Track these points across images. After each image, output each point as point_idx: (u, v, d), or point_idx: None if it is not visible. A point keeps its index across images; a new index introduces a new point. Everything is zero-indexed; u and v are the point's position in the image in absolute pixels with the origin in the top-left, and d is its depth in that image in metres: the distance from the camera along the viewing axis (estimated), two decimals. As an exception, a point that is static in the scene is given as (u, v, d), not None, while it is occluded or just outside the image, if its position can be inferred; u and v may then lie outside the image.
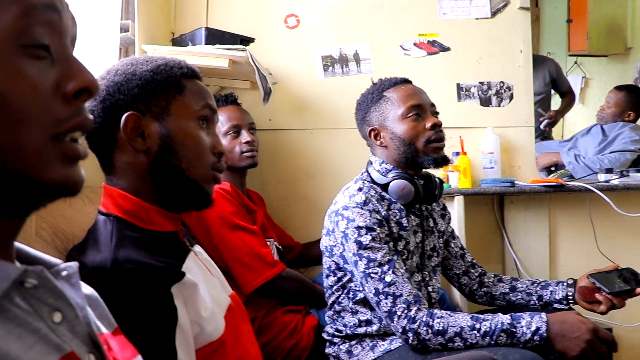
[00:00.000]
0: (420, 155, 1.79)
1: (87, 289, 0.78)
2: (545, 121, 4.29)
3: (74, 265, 0.69)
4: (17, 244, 0.67)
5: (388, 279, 1.64)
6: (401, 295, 1.62)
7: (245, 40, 2.47)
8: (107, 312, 0.81)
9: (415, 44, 2.81)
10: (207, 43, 2.36)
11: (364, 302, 1.77)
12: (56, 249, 1.26)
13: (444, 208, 2.05)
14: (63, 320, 0.63)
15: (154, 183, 1.15)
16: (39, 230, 1.23)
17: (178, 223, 1.21)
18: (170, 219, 1.18)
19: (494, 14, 2.82)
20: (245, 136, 2.28)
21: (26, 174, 0.57)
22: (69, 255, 1.17)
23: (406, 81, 1.89)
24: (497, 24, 2.82)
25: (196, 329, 1.06)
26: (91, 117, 0.65)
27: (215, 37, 2.38)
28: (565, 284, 1.89)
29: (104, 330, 0.77)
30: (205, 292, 1.11)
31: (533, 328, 1.55)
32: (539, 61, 4.20)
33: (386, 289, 1.63)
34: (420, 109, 1.81)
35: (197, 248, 1.29)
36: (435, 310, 1.62)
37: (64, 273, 0.67)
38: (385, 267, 1.65)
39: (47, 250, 1.21)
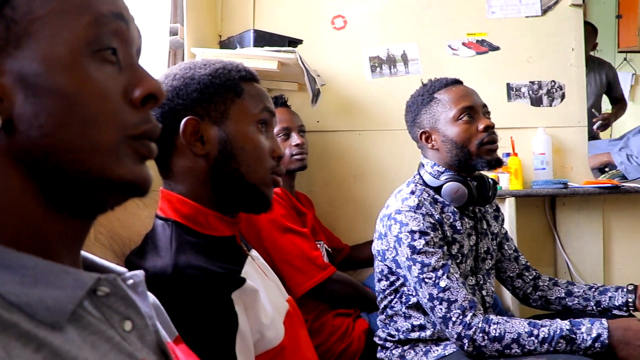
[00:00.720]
0: (474, 157, 1.75)
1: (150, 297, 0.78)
2: (598, 122, 4.17)
3: (140, 274, 0.69)
4: (82, 252, 0.67)
5: (442, 284, 1.61)
6: (456, 300, 1.59)
7: (293, 42, 2.47)
8: (168, 320, 0.81)
9: (463, 44, 2.78)
10: (255, 45, 2.37)
11: (417, 306, 1.74)
12: (114, 253, 1.27)
13: (497, 209, 2.00)
14: (133, 329, 0.64)
15: (214, 188, 1.14)
16: (97, 234, 1.25)
17: (235, 228, 1.21)
18: (228, 224, 1.18)
19: (544, 11, 2.76)
20: (295, 139, 2.28)
21: (98, 171, 0.59)
22: (127, 260, 1.17)
23: (457, 82, 1.85)
24: (547, 21, 2.77)
25: (256, 335, 1.05)
26: (159, 124, 0.66)
27: (264, 39, 2.39)
28: (625, 289, 1.83)
29: (168, 339, 0.77)
30: (265, 298, 1.10)
31: (594, 334, 1.50)
32: (596, 62, 4.11)
33: (440, 294, 1.60)
34: (473, 110, 1.77)
35: (254, 253, 1.29)
36: (492, 316, 1.59)
37: (130, 282, 0.67)
38: (440, 272, 1.62)
39: (106, 255, 1.22)
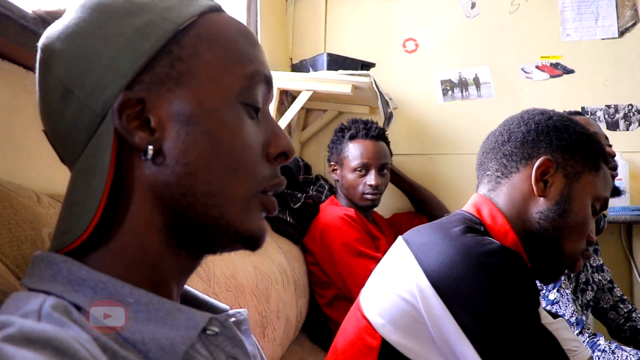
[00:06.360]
0: None
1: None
2: None
3: (243, 312, 0.70)
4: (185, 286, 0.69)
5: (552, 297, 1.56)
6: (563, 315, 1.54)
7: (366, 66, 2.47)
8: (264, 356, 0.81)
9: (537, 67, 2.72)
10: (328, 68, 2.38)
11: None
12: (199, 277, 1.29)
13: (596, 242, 1.95)
14: None
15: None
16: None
17: None
18: None
19: (621, 33, 2.69)
20: (371, 178, 2.25)
21: (228, 219, 0.60)
22: None
23: None
24: (625, 43, 2.69)
25: None
26: (284, 179, 0.68)
27: (337, 62, 2.40)
28: None
29: None
30: None
31: None
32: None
33: (548, 307, 1.55)
34: None
35: None
36: (600, 340, 1.51)
37: (233, 319, 0.68)
38: (550, 285, 1.58)
39: (192, 281, 1.23)
